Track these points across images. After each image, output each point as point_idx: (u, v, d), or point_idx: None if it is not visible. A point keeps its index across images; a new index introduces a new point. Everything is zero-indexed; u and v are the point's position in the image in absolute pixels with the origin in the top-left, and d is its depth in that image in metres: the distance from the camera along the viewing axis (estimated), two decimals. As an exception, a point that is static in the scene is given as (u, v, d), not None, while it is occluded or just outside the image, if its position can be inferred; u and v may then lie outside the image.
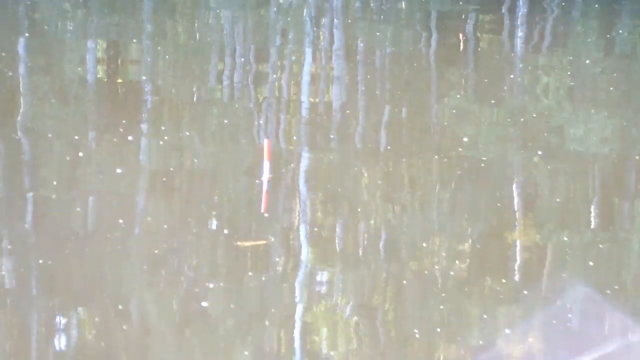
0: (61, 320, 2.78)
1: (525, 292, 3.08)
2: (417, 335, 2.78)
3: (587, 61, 5.39)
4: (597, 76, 5.18)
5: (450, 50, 5.49)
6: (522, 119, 4.53)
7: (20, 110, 4.12)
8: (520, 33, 6.11)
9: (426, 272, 3.17)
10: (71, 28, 5.08)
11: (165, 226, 3.41)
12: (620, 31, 6.41)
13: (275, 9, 5.53)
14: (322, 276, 3.19)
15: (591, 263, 3.35)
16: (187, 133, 4.14)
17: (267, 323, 2.77)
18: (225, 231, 3.37)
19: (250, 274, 3.12)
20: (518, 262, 3.38)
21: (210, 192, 3.75)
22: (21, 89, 4.37)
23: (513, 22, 6.42)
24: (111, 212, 3.50)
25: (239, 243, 3.23)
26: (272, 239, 3.29)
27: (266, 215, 3.48)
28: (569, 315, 2.93)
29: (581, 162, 4.21)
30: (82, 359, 2.56)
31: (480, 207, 3.77)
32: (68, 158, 3.93)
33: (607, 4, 6.92)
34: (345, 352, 2.76)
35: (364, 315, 2.91)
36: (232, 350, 2.72)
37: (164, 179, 3.81)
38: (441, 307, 2.95)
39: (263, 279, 3.08)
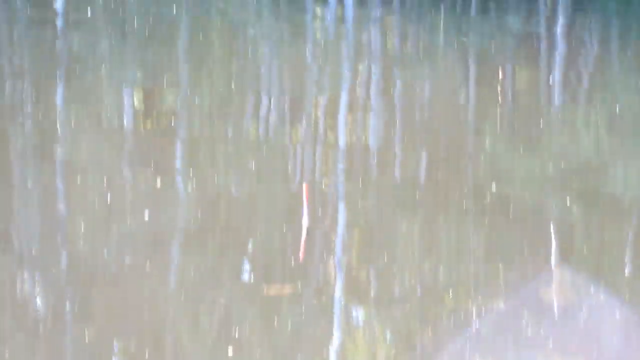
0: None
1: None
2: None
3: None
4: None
5: (488, 90, 5.41)
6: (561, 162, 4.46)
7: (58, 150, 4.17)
8: (558, 73, 6.00)
9: (463, 319, 3.07)
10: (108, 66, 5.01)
11: (196, 273, 3.39)
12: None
13: (310, 45, 5.48)
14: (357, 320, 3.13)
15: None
16: (222, 177, 4.13)
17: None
18: (258, 278, 3.35)
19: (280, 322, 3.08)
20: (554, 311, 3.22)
21: (247, 236, 3.66)
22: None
23: (551, 60, 6.33)
24: (143, 255, 3.46)
25: (265, 291, 3.21)
26: (300, 288, 3.26)
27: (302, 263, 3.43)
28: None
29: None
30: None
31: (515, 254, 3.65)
32: (98, 198, 3.94)
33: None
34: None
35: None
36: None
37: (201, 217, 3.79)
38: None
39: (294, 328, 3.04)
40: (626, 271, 3.54)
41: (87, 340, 2.85)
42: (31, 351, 2.81)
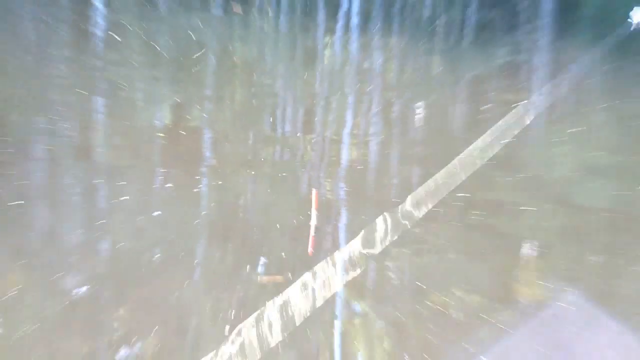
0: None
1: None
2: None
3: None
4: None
5: (480, 116, 5.34)
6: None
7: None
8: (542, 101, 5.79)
9: (454, 317, 3.33)
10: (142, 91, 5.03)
11: (221, 264, 3.51)
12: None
13: (320, 70, 5.48)
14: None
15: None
16: (244, 183, 4.13)
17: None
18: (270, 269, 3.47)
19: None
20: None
21: (266, 233, 3.74)
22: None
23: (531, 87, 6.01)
24: (177, 246, 3.59)
25: (259, 279, 3.40)
26: (290, 276, 3.45)
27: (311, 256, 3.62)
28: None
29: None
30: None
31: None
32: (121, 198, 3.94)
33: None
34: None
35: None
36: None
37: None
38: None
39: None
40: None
41: (127, 322, 3.04)
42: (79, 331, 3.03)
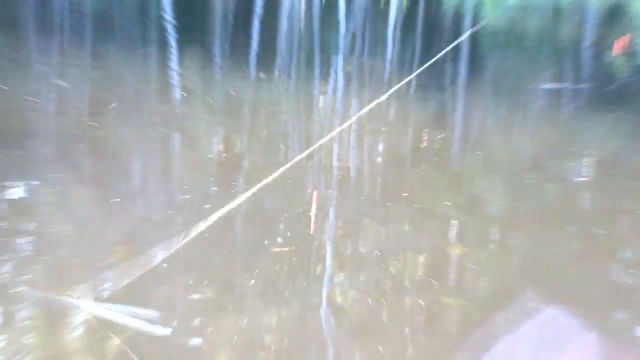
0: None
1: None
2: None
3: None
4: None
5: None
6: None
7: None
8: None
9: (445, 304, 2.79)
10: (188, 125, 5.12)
11: (247, 242, 3.32)
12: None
13: (316, 110, 5.64)
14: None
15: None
16: (266, 189, 3.94)
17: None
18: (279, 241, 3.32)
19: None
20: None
21: (278, 220, 3.58)
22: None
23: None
24: (219, 227, 3.38)
25: (272, 249, 3.25)
26: (293, 248, 3.23)
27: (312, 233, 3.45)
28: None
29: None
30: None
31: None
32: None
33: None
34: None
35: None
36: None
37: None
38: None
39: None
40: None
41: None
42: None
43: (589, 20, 9.19)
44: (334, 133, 5.00)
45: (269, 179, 4.04)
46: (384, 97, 5.67)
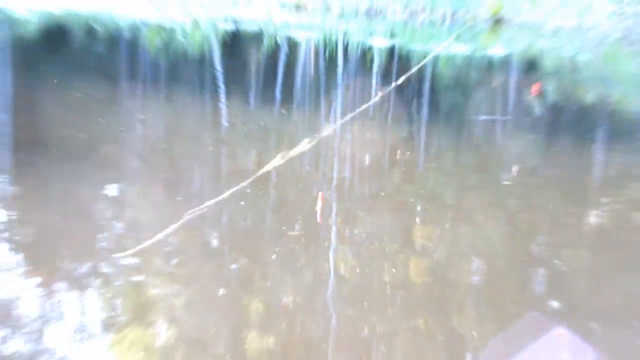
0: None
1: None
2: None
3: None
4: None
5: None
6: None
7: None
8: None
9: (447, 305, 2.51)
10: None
11: (270, 229, 3.20)
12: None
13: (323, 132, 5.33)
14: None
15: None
16: (285, 190, 3.91)
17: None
18: (291, 231, 3.16)
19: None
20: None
21: (294, 213, 3.49)
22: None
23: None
24: (246, 219, 3.29)
25: (289, 233, 3.10)
26: (303, 232, 3.10)
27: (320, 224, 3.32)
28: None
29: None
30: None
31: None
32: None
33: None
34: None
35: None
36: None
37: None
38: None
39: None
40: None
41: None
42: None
43: (513, 70, 9.29)
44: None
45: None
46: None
